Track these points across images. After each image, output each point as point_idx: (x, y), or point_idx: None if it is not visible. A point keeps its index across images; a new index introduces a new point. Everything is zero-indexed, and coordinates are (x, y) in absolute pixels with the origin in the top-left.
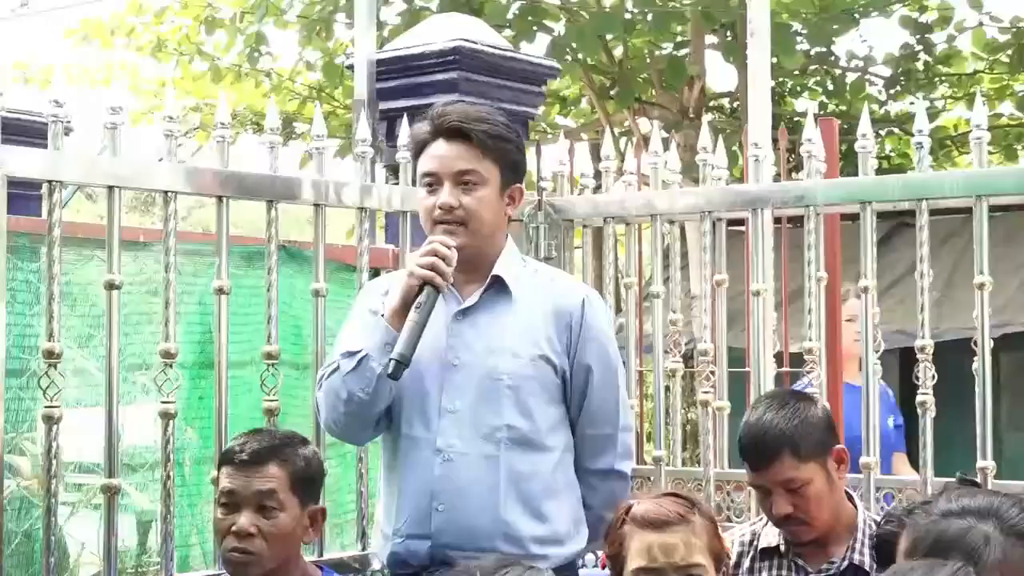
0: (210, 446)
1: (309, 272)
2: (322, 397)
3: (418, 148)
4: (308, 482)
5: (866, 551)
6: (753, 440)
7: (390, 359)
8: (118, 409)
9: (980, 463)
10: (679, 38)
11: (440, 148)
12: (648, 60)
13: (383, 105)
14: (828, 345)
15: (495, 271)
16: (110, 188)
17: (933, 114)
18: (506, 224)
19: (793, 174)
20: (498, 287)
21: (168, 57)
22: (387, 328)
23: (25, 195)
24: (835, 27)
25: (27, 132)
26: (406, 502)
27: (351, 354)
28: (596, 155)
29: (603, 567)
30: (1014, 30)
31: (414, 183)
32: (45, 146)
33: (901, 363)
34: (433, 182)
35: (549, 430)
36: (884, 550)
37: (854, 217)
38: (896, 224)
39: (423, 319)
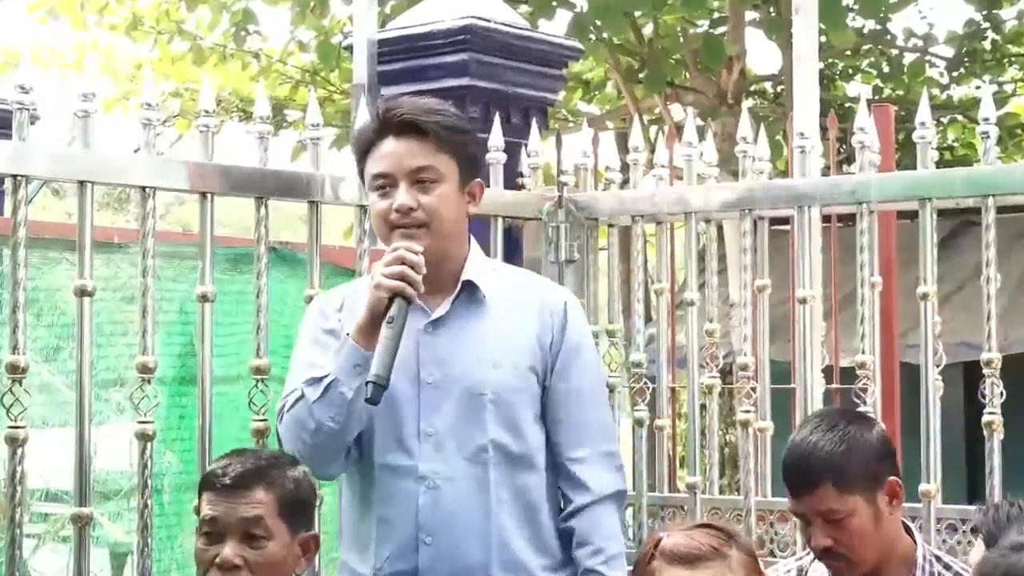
0: (192, 471)
1: (303, 277)
2: (284, 430)
3: (363, 149)
4: (298, 507)
5: None
6: (795, 463)
7: (367, 382)
8: (90, 430)
9: None
10: (716, 14)
11: (391, 145)
12: (681, 39)
13: (385, 90)
14: (883, 359)
15: (465, 275)
16: (81, 183)
17: (1001, 99)
18: (466, 223)
19: (844, 167)
20: (469, 293)
21: (145, 36)
22: (355, 348)
23: None
24: (891, 1)
25: None
26: (386, 537)
27: (316, 380)
28: (623, 146)
29: None
30: None
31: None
32: (9, 136)
33: (965, 378)
34: (386, 183)
35: (538, 448)
36: None
37: (912, 215)
38: (959, 223)
39: (398, 333)
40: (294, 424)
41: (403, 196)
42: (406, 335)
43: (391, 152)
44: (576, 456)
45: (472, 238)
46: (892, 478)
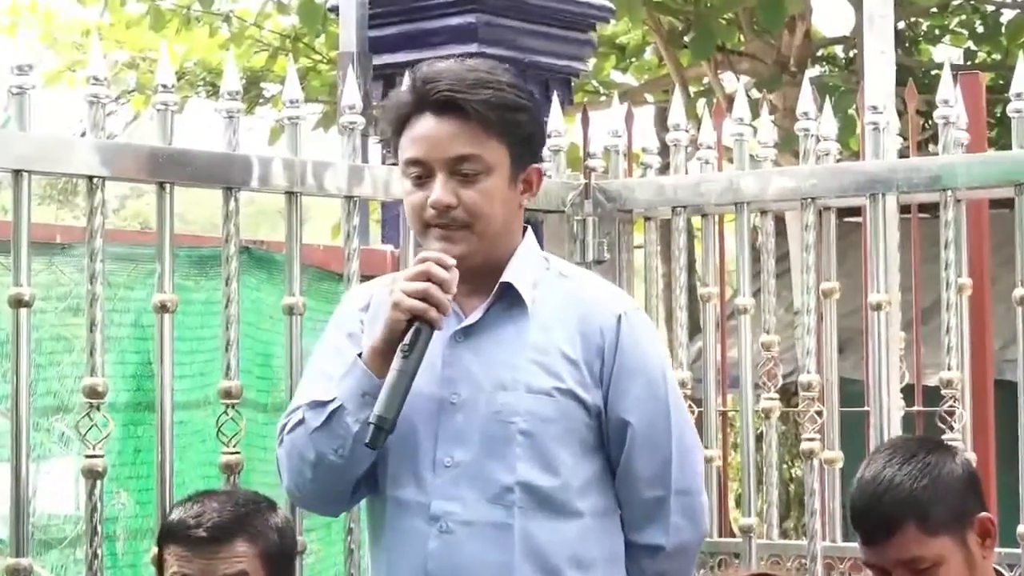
0: (150, 513)
1: (280, 282)
2: (283, 456)
3: (398, 124)
4: (283, 561)
5: None
6: (867, 505)
7: (367, 422)
8: (28, 466)
9: None
10: None
11: (427, 126)
12: None
13: (378, 59)
14: (975, 376)
15: (504, 277)
16: (16, 172)
17: None
18: (521, 217)
19: (928, 147)
20: (509, 298)
21: None
22: (365, 372)
23: None
24: None
25: None
26: None
27: (320, 404)
28: (663, 123)
29: None
30: None
31: None
32: None
33: None
34: (421, 172)
35: (581, 488)
36: None
37: (1007, 204)
38: None
39: (412, 367)
40: (293, 452)
41: (440, 190)
42: (434, 344)
43: (427, 135)
44: (637, 511)
45: (528, 229)
46: (983, 514)
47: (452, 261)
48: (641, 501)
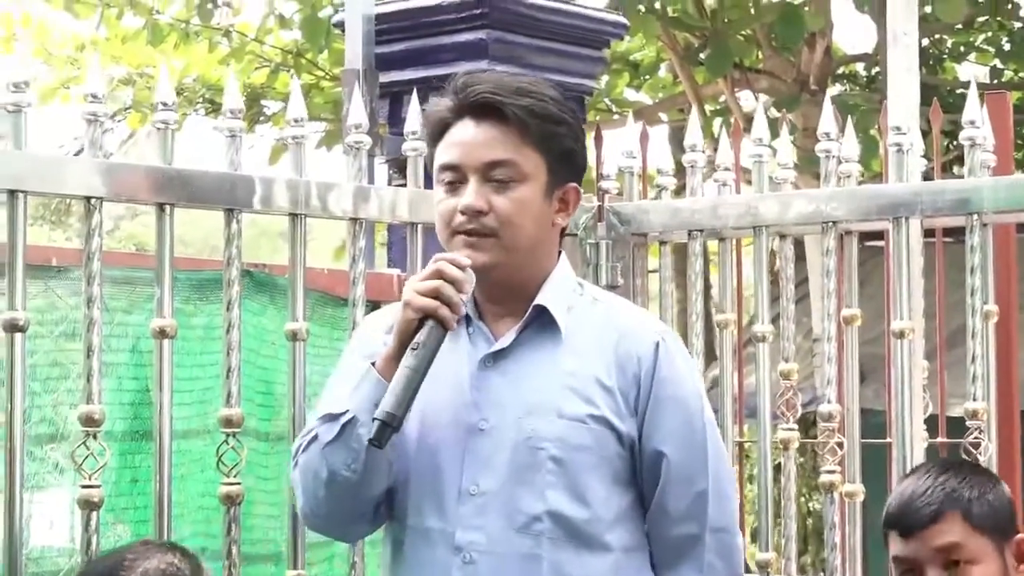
0: None
1: (283, 307)
2: (298, 478)
3: (436, 131)
4: None
5: None
6: (911, 497)
7: (373, 418)
8: (22, 496)
9: None
10: None
11: (465, 131)
12: (753, 10)
13: (385, 77)
14: (1001, 406)
15: (538, 300)
16: (11, 192)
17: None
18: (557, 237)
19: (953, 169)
20: (541, 322)
21: (89, 10)
22: (378, 380)
23: None
24: None
25: None
26: None
27: (333, 417)
28: (679, 143)
29: None
30: None
31: (428, 183)
32: None
33: None
34: (455, 178)
35: (612, 522)
36: None
37: None
38: None
39: (422, 365)
40: (307, 472)
41: (471, 195)
42: (463, 367)
43: (464, 140)
44: (670, 548)
45: (563, 254)
46: (1020, 536)
47: (467, 262)
48: (674, 537)
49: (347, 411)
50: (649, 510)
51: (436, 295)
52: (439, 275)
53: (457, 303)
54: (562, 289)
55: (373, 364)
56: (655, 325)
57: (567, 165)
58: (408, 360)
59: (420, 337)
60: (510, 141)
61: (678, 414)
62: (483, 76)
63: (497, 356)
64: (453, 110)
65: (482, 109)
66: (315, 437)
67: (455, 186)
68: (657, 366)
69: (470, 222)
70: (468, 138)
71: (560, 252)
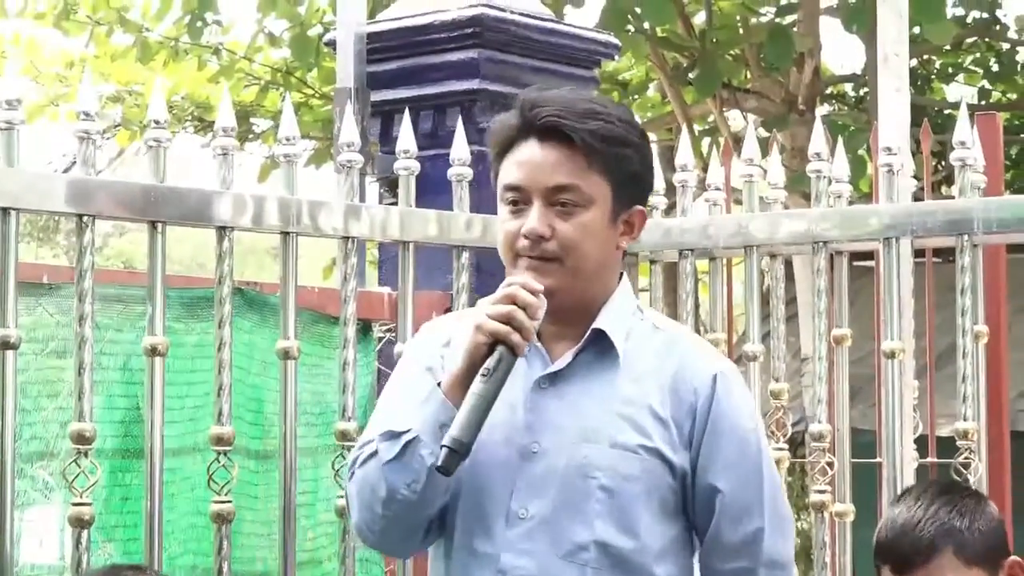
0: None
1: (274, 325)
2: (354, 491)
3: (502, 148)
4: None
5: None
6: (901, 532)
7: (442, 445)
8: (12, 514)
9: None
10: (784, 0)
11: (530, 152)
12: (741, 31)
13: (376, 95)
14: (991, 426)
15: (597, 323)
16: (4, 210)
17: None
18: (620, 261)
19: (942, 189)
20: (600, 346)
21: (79, 28)
22: (444, 402)
23: None
24: None
25: None
26: None
27: (394, 435)
28: (669, 163)
29: None
30: None
31: (419, 201)
32: None
33: None
34: (519, 199)
35: (661, 553)
36: None
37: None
38: None
39: (492, 392)
40: (364, 487)
41: (535, 219)
42: (517, 387)
43: (529, 160)
44: (721, 567)
45: (624, 276)
46: (1012, 558)
47: (540, 287)
48: (728, 571)
49: (410, 430)
50: (703, 543)
51: (508, 320)
52: (512, 300)
53: (529, 329)
54: (622, 313)
55: (438, 385)
56: (714, 357)
57: (633, 188)
58: (477, 387)
59: (490, 363)
60: (576, 165)
61: (734, 448)
62: (550, 96)
63: (553, 378)
64: (519, 128)
65: (549, 130)
66: (375, 452)
67: (519, 207)
68: (715, 399)
69: (533, 247)
70: (533, 159)
71: (622, 274)
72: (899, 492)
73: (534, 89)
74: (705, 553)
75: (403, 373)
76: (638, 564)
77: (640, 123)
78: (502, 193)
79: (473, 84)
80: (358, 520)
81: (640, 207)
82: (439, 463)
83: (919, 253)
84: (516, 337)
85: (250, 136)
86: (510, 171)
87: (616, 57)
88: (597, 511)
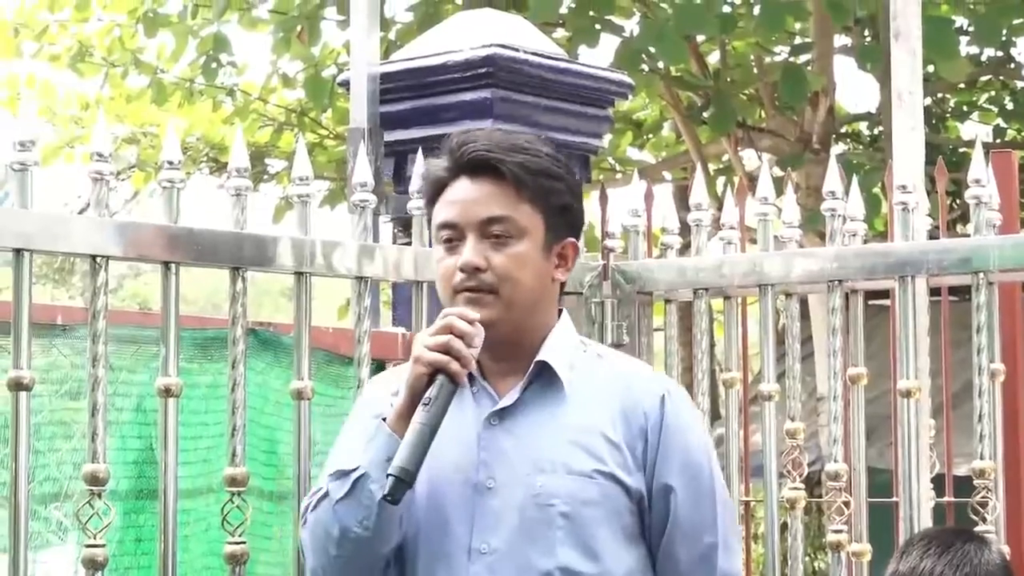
0: None
1: (287, 365)
2: (307, 536)
3: (434, 191)
4: None
5: None
6: None
7: (387, 474)
8: (26, 556)
9: None
10: (798, 39)
11: (463, 190)
12: (755, 70)
13: (390, 135)
14: (1008, 465)
15: (541, 356)
16: (17, 251)
17: None
18: (557, 293)
19: (957, 227)
20: (545, 378)
21: (94, 69)
22: (390, 435)
23: None
24: (1015, 22)
25: None
26: None
27: (343, 474)
28: (683, 202)
29: None
30: None
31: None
32: None
33: None
34: (453, 236)
35: None
36: None
37: None
38: None
39: (434, 420)
40: (317, 529)
41: (469, 252)
42: (469, 427)
43: (460, 198)
44: None
45: (564, 311)
46: None
47: (476, 316)
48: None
49: (358, 467)
50: (658, 560)
51: (446, 350)
52: (449, 330)
53: (467, 357)
54: (564, 345)
55: (383, 420)
56: (660, 379)
57: (564, 220)
58: (420, 416)
59: (431, 392)
60: (506, 197)
61: (686, 462)
62: (477, 134)
63: (502, 414)
64: (449, 169)
65: (478, 167)
66: (326, 494)
67: (453, 244)
68: (664, 419)
69: (469, 279)
70: (465, 196)
71: (561, 310)
72: (907, 540)
73: (459, 132)
74: (661, 569)
75: (353, 422)
76: None
77: (655, 163)
78: (436, 232)
79: (486, 124)
80: (313, 565)
81: (572, 239)
82: (385, 491)
83: (935, 291)
84: (455, 365)
85: (264, 177)
86: (443, 210)
87: (630, 96)
88: (559, 538)
